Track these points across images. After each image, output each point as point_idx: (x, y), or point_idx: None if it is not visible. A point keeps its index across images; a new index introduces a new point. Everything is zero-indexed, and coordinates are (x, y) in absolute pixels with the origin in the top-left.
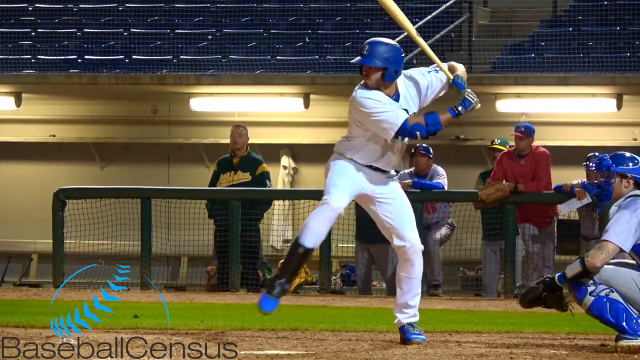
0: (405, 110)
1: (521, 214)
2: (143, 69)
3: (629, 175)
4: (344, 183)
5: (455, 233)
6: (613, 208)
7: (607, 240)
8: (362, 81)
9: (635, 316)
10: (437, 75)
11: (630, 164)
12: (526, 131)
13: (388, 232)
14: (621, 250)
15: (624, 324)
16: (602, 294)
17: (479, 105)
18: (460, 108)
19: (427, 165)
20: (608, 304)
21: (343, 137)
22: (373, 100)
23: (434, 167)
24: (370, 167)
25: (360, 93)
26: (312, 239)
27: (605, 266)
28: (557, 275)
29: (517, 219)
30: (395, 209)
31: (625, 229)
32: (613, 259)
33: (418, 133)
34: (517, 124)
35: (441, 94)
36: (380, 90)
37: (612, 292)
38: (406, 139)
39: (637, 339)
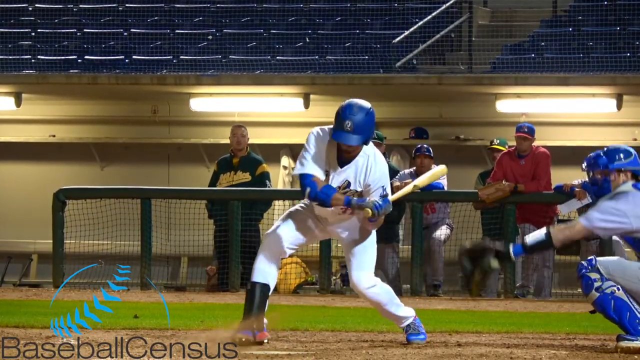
0: (349, 182)
1: (521, 214)
2: (143, 69)
3: (624, 169)
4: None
5: (455, 233)
6: (605, 199)
7: (578, 221)
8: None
9: (639, 316)
10: (375, 195)
11: (625, 158)
12: (529, 132)
13: None
14: (592, 236)
15: (627, 323)
16: (608, 290)
17: (369, 214)
18: (355, 200)
19: (427, 166)
20: (613, 301)
21: None
22: (311, 144)
23: (434, 168)
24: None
25: (315, 131)
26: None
27: (610, 258)
28: (513, 247)
29: (517, 219)
30: (348, 249)
31: (602, 216)
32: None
33: (321, 199)
34: (519, 124)
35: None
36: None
37: (619, 289)
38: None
39: (637, 340)
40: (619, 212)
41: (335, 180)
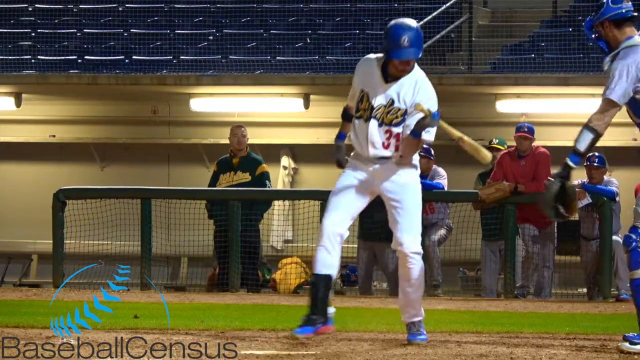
0: (392, 100)
1: (521, 214)
2: (143, 70)
3: (603, 19)
4: (334, 201)
5: (455, 233)
6: (606, 59)
7: (609, 99)
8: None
9: None
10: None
11: (599, 11)
12: (529, 131)
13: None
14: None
15: None
16: None
17: (425, 111)
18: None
19: (427, 167)
20: None
21: None
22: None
23: (434, 168)
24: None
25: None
26: (318, 266)
27: None
28: (567, 160)
29: (517, 220)
30: (396, 210)
31: (620, 83)
32: None
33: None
34: (519, 124)
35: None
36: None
37: None
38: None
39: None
40: (624, 69)
41: (380, 98)
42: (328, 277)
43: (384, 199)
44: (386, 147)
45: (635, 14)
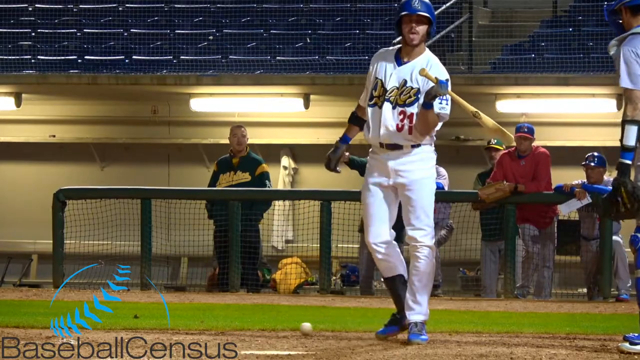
0: (405, 80)
1: (521, 214)
2: (143, 70)
3: (620, 5)
4: (367, 215)
5: (455, 234)
6: (612, 42)
7: (629, 89)
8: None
9: None
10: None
11: None
12: (529, 131)
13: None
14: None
15: None
16: None
17: (435, 80)
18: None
19: None
20: None
21: None
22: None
23: (435, 168)
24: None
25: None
26: (384, 271)
27: None
28: (620, 161)
29: (516, 220)
30: (406, 204)
31: (629, 68)
32: None
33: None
34: (518, 124)
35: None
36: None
37: None
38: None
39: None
40: (630, 54)
41: (393, 80)
42: (398, 277)
43: (399, 193)
44: (400, 129)
45: None
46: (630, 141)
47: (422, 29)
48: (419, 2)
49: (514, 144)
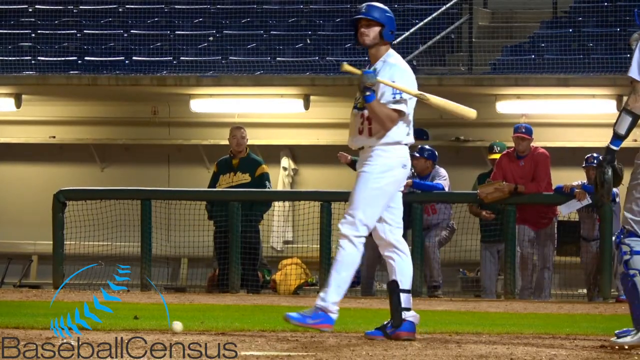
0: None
1: (520, 215)
2: (143, 70)
3: None
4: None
5: (455, 235)
6: (635, 35)
7: (636, 80)
8: None
9: None
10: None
11: None
12: (527, 132)
13: None
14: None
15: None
16: (632, 272)
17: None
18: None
19: (424, 167)
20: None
21: None
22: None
23: (436, 169)
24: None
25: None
26: None
27: None
28: (609, 144)
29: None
30: None
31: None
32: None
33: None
34: (516, 125)
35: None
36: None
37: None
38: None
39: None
40: None
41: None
42: (390, 282)
43: None
44: (361, 132)
45: None
46: (622, 129)
47: (371, 31)
48: (366, 6)
49: (473, 116)
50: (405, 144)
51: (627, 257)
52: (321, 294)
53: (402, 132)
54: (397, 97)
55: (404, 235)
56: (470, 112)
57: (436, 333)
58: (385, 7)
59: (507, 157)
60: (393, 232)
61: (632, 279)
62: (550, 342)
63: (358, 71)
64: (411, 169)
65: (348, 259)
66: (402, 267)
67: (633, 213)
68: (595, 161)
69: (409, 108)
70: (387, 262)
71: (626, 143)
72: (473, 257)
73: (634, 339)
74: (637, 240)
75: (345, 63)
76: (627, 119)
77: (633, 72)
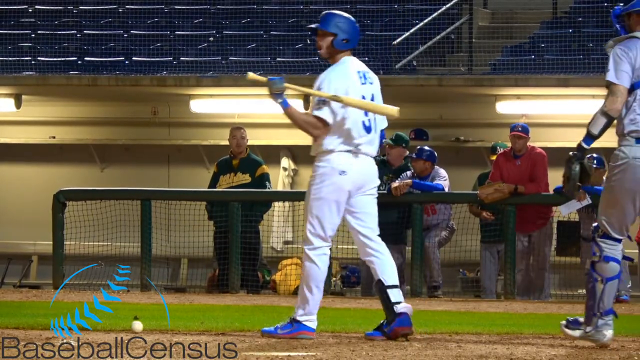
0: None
1: (519, 215)
2: (143, 71)
3: (633, 10)
4: None
5: (455, 235)
6: (610, 42)
7: (613, 83)
8: None
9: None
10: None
11: (628, 3)
12: (523, 130)
13: None
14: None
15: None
16: (595, 276)
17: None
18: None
19: (423, 168)
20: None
21: None
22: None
23: (435, 169)
24: None
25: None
26: None
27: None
28: (581, 142)
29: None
30: None
31: (625, 65)
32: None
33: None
34: (513, 124)
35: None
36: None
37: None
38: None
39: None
40: (625, 54)
41: None
42: (376, 281)
43: None
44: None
45: None
46: (596, 130)
47: (324, 42)
48: (321, 17)
49: (396, 114)
50: (345, 151)
51: (595, 259)
52: (300, 306)
53: (336, 140)
54: (320, 104)
55: (404, 236)
56: (392, 110)
57: (436, 333)
58: (342, 14)
59: (504, 156)
60: (367, 236)
61: (594, 283)
62: (550, 342)
63: (263, 79)
64: (411, 170)
65: (306, 272)
66: (382, 266)
67: (607, 216)
68: (595, 161)
69: (338, 114)
70: (369, 266)
71: None
72: (473, 258)
73: (583, 334)
74: (609, 244)
75: (249, 72)
76: (602, 120)
77: (610, 76)
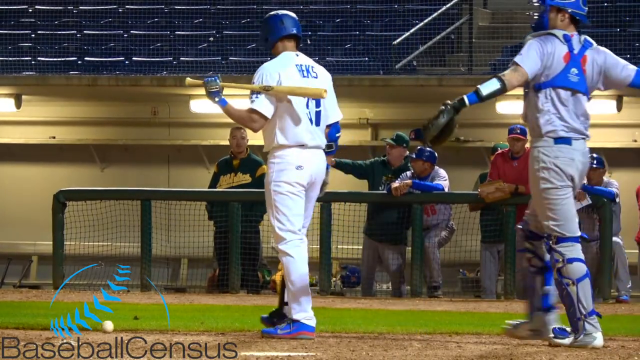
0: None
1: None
2: (143, 71)
3: (564, 7)
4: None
5: (455, 235)
6: (528, 36)
7: (518, 64)
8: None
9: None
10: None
11: None
12: (522, 132)
13: None
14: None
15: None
16: (565, 281)
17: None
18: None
19: (423, 169)
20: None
21: None
22: None
23: (435, 169)
24: None
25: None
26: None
27: None
28: (465, 96)
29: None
30: None
31: (535, 57)
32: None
33: None
34: (511, 126)
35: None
36: None
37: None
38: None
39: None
40: (539, 48)
41: None
42: None
43: None
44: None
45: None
46: (485, 91)
47: (266, 45)
48: None
49: (324, 94)
50: (296, 146)
51: (559, 265)
52: (291, 308)
53: (286, 135)
54: (254, 96)
55: (404, 236)
56: (320, 91)
57: (436, 333)
58: (267, 16)
59: (501, 156)
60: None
61: (566, 288)
62: (550, 342)
63: (199, 82)
64: (411, 170)
65: (285, 267)
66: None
67: (554, 219)
68: (595, 161)
69: (277, 107)
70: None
71: (626, 143)
72: (473, 258)
73: (573, 341)
74: (568, 245)
75: (187, 78)
76: (496, 85)
77: (518, 58)
